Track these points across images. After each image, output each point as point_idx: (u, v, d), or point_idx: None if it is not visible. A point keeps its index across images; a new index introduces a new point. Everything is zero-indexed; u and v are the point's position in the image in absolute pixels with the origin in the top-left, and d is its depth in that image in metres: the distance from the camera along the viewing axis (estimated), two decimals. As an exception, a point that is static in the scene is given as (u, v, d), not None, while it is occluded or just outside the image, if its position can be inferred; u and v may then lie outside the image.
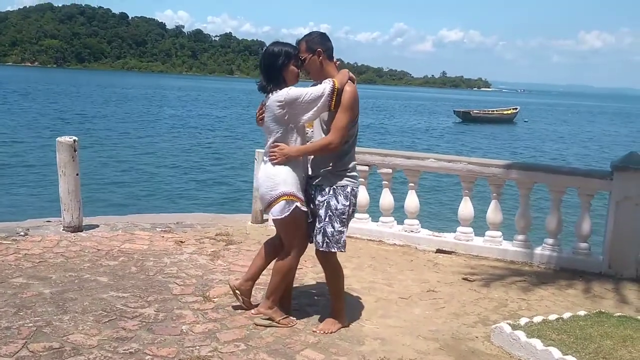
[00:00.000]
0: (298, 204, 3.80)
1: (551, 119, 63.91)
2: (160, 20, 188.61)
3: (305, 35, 3.90)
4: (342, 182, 3.84)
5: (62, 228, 5.99)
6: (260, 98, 3.93)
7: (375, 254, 5.86)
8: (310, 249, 4.02)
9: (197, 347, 3.58)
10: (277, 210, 3.80)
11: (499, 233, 6.02)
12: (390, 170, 6.29)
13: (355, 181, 3.94)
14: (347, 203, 3.84)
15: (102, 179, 16.35)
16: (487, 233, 6.04)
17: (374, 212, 6.52)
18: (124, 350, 3.48)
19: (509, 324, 3.89)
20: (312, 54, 3.82)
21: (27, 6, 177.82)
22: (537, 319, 4.01)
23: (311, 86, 3.88)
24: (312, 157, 3.93)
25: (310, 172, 3.94)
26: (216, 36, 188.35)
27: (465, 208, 6.09)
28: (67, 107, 41.35)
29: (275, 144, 3.81)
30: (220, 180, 17.05)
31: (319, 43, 3.83)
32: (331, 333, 3.90)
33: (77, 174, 6.01)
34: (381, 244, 6.21)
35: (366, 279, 5.09)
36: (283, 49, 3.83)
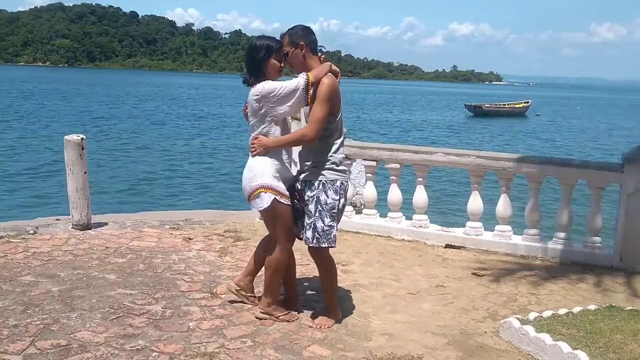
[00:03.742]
0: (277, 196, 3.80)
1: (563, 112, 63.44)
2: (170, 19, 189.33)
3: (289, 29, 3.91)
4: (331, 176, 3.82)
5: (71, 226, 6.02)
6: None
7: (384, 249, 5.83)
8: (301, 244, 4.00)
9: (204, 343, 3.59)
10: (257, 203, 3.84)
11: (509, 227, 5.96)
12: (397, 165, 6.25)
13: (345, 175, 3.92)
14: (337, 197, 3.82)
15: (111, 177, 16.44)
16: (497, 227, 5.99)
17: (382, 207, 6.48)
18: (130, 347, 3.49)
19: (518, 319, 3.86)
20: (294, 48, 3.82)
21: (38, 6, 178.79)
22: (547, 313, 3.98)
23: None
24: (300, 151, 3.94)
25: (298, 167, 3.95)
26: (226, 33, 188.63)
27: (475, 202, 6.04)
28: (77, 106, 41.62)
29: (255, 136, 3.84)
30: (228, 177, 17.06)
31: (301, 37, 3.83)
32: (327, 328, 3.90)
33: (85, 172, 6.03)
34: (389, 239, 6.18)
35: (374, 275, 5.06)
36: (265, 43, 3.85)
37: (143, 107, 44.50)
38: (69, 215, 6.10)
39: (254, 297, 4.22)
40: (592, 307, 4.16)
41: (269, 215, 3.86)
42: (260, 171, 3.82)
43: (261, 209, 3.85)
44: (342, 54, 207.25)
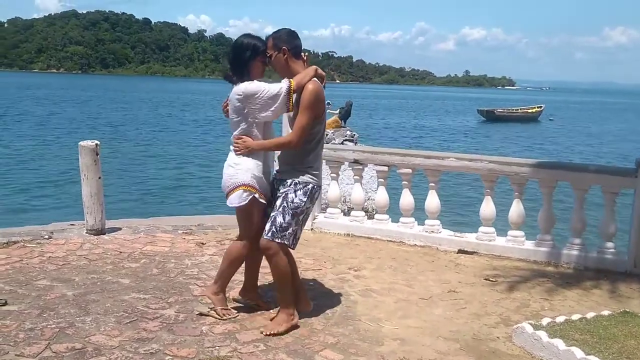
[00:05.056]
0: (256, 195, 3.85)
1: (576, 116, 63.09)
2: (182, 25, 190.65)
3: (273, 32, 3.95)
4: (304, 178, 3.87)
5: (85, 231, 6.07)
6: None
7: (396, 254, 5.83)
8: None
9: (217, 347, 3.61)
10: (235, 199, 3.86)
11: (522, 233, 5.93)
12: (410, 170, 6.25)
13: (318, 180, 3.95)
14: (305, 199, 3.85)
15: (125, 183, 16.57)
16: (510, 233, 5.96)
17: (394, 213, 6.48)
18: (144, 350, 3.52)
19: (531, 324, 3.84)
20: (277, 52, 3.86)
21: (52, 13, 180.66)
22: (560, 319, 3.96)
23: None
24: (280, 153, 4.01)
25: (277, 168, 4.02)
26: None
27: (487, 208, 6.02)
28: (92, 112, 42.00)
29: (239, 135, 3.87)
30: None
31: (285, 41, 3.86)
32: (276, 334, 3.78)
33: (99, 178, 6.09)
34: (401, 244, 6.17)
35: (386, 280, 5.06)
36: (252, 43, 3.88)
37: (156, 113, 44.82)
38: (83, 220, 6.16)
39: (264, 303, 4.25)
40: (606, 312, 4.13)
41: (245, 212, 3.90)
42: (244, 169, 3.86)
43: (238, 205, 3.87)
44: (354, 60, 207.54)
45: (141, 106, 51.31)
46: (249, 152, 3.86)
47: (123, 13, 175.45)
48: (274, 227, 3.82)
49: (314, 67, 3.89)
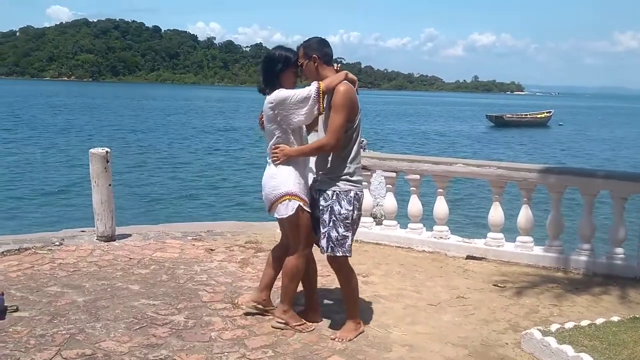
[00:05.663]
0: (301, 203, 3.86)
1: (586, 121, 62.74)
2: (192, 33, 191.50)
3: (304, 41, 3.97)
4: (345, 186, 3.84)
5: (96, 237, 6.12)
6: None
7: (404, 260, 5.83)
8: (323, 256, 4.02)
9: (226, 353, 3.63)
10: (281, 210, 3.87)
11: (530, 238, 5.91)
12: (418, 176, 6.25)
13: (359, 185, 3.93)
14: (351, 208, 3.83)
15: (135, 189, 16.65)
16: (518, 238, 5.95)
17: (403, 218, 6.48)
18: (154, 356, 3.55)
19: (540, 330, 3.83)
20: (307, 60, 3.88)
21: (64, 22, 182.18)
22: (569, 325, 3.94)
23: None
24: (316, 160, 3.99)
25: (315, 176, 4.01)
26: (247, 47, 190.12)
27: (496, 213, 6.01)
28: (102, 120, 42.27)
29: (276, 145, 3.88)
30: (251, 188, 17.17)
31: (315, 49, 3.88)
32: (348, 340, 3.88)
33: (109, 185, 6.14)
34: (410, 250, 6.17)
35: (395, 286, 5.06)
36: (283, 54, 3.92)
37: (166, 120, 45.03)
38: (93, 227, 6.21)
39: (274, 308, 4.25)
40: (615, 318, 4.11)
41: (292, 222, 3.90)
42: (284, 179, 3.87)
43: (285, 216, 3.88)
44: (362, 66, 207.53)
45: (152, 113, 51.57)
46: (287, 160, 3.87)
47: (133, 21, 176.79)
48: (331, 242, 3.84)
49: (345, 71, 3.90)
